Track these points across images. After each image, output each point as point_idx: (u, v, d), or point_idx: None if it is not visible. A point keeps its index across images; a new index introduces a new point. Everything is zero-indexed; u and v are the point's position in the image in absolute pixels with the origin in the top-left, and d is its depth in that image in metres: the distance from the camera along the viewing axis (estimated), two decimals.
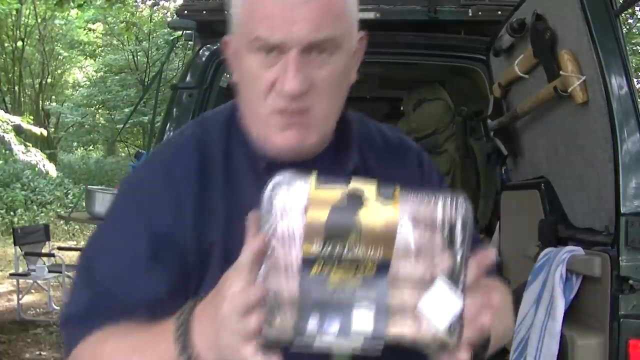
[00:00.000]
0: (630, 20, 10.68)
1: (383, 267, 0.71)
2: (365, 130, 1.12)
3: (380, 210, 0.71)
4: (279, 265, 0.71)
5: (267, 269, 0.71)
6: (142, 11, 16.43)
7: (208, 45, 2.68)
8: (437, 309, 0.72)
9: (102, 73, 18.79)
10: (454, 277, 0.73)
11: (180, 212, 0.94)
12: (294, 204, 0.72)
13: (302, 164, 0.91)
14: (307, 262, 0.70)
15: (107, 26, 17.70)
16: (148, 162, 1.08)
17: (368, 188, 0.72)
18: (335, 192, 0.71)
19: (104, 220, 1.00)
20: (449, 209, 0.73)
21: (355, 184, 0.72)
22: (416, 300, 0.72)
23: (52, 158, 11.30)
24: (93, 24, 17.84)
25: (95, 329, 0.90)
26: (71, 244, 11.43)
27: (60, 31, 18.31)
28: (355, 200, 0.71)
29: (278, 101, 0.91)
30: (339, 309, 0.70)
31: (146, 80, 16.21)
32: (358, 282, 0.71)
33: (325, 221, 0.69)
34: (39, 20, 17.13)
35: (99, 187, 6.97)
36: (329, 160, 1.01)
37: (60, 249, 7.68)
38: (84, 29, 17.96)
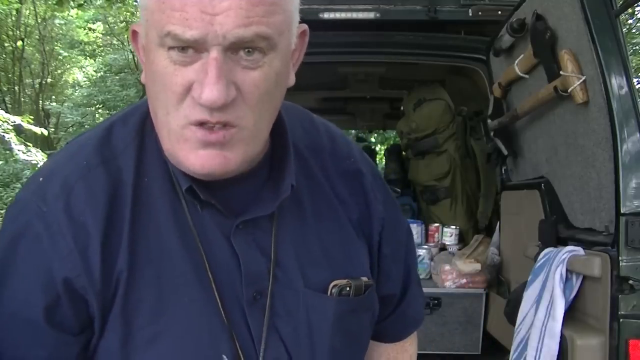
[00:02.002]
0: (630, 21, 10.68)
1: None
2: (314, 136, 0.94)
3: None
4: None
5: None
6: None
7: None
8: None
9: (102, 73, 18.80)
10: None
11: (84, 259, 0.77)
12: None
13: (229, 183, 0.81)
14: None
15: (107, 26, 17.72)
16: (43, 189, 0.80)
17: None
18: None
19: None
20: None
21: None
22: None
23: None
24: (93, 23, 17.86)
25: None
26: None
27: (60, 31, 18.31)
28: None
29: (195, 111, 0.73)
30: None
31: None
32: None
33: None
34: (39, 20, 17.14)
35: None
36: (261, 178, 0.86)
37: None
38: (84, 29, 17.97)
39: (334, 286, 0.87)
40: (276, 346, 0.83)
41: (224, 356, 0.80)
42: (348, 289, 0.87)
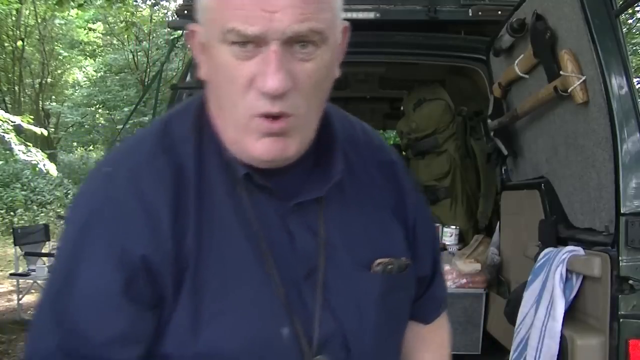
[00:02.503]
0: (630, 21, 10.68)
1: None
2: (350, 130, 1.02)
3: None
4: None
5: None
6: (142, 11, 16.44)
7: None
8: None
9: (102, 73, 18.81)
10: None
11: (157, 237, 0.82)
12: None
13: (281, 171, 0.88)
14: None
15: (107, 26, 17.72)
16: (111, 177, 0.87)
17: None
18: None
19: (66, 248, 0.87)
20: None
21: None
22: None
23: (52, 158, 11.29)
24: (93, 23, 17.86)
25: None
26: None
27: (60, 31, 18.31)
28: None
29: (259, 103, 0.81)
30: None
31: (146, 80, 16.22)
32: None
33: None
34: (39, 20, 17.14)
35: None
36: (308, 166, 0.93)
37: None
38: (84, 29, 17.97)
39: (379, 264, 0.93)
40: (329, 321, 0.89)
41: (284, 330, 0.86)
42: (390, 266, 0.94)
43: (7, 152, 10.28)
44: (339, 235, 0.93)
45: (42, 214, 13.29)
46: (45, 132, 9.30)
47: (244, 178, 0.87)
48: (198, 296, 0.83)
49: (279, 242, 0.88)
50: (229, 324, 0.84)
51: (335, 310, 0.90)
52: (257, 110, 0.81)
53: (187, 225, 0.84)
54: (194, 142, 0.89)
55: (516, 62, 2.21)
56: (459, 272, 2.80)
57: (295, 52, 0.80)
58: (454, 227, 3.34)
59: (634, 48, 10.70)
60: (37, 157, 7.82)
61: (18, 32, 17.30)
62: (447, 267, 2.85)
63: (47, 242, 7.64)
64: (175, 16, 2.81)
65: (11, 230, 8.43)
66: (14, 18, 16.91)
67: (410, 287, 1.00)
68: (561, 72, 1.82)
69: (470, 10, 2.65)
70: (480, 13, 2.64)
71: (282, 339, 0.86)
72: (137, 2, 15.51)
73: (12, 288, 7.69)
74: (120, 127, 15.79)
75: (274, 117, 0.81)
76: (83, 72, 20.82)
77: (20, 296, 6.88)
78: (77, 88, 20.37)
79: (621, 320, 1.61)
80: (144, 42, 17.05)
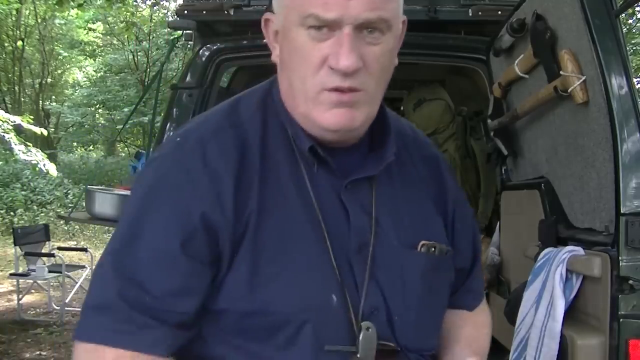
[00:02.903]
0: (630, 20, 10.68)
1: None
2: (399, 125, 1.12)
3: None
4: None
5: None
6: (142, 11, 16.43)
7: (208, 45, 2.68)
8: None
9: (102, 73, 18.81)
10: None
11: (218, 199, 0.90)
12: None
13: (340, 152, 0.97)
14: None
15: (107, 26, 17.72)
16: (180, 145, 0.96)
17: None
18: None
19: (133, 206, 0.94)
20: None
21: None
22: None
23: (52, 158, 11.29)
24: (93, 23, 17.86)
25: (119, 321, 0.87)
26: (71, 244, 11.44)
27: (60, 31, 18.31)
28: None
29: (330, 79, 0.90)
30: None
31: (146, 80, 16.22)
32: None
33: None
34: (39, 20, 17.14)
35: (99, 187, 6.95)
36: (364, 149, 1.02)
37: (60, 249, 7.66)
38: (84, 29, 17.97)
39: (423, 245, 1.02)
40: (375, 293, 0.97)
41: (333, 296, 0.92)
42: (433, 249, 1.02)
43: (7, 152, 10.29)
44: (388, 215, 1.00)
45: (42, 214, 13.29)
46: (45, 132, 9.30)
47: (308, 151, 0.95)
48: (255, 258, 0.90)
49: (335, 216, 0.96)
50: (284, 286, 0.91)
51: (382, 284, 0.97)
52: (327, 85, 0.90)
53: (250, 191, 0.92)
54: (259, 120, 0.98)
55: (516, 62, 2.20)
56: None
57: (364, 36, 0.90)
58: None
59: (634, 48, 10.71)
60: (37, 157, 7.83)
61: (18, 32, 17.30)
62: None
63: (47, 242, 7.65)
64: (175, 16, 2.80)
65: (11, 230, 8.42)
66: (14, 18, 16.91)
67: (450, 270, 1.07)
68: (561, 72, 1.82)
69: (470, 10, 2.64)
70: (480, 13, 2.63)
71: (332, 305, 0.92)
72: (137, 2, 15.51)
73: (12, 288, 7.69)
74: (120, 127, 15.82)
75: (344, 90, 0.90)
76: (83, 72, 20.82)
77: (20, 296, 6.88)
78: (77, 88, 20.37)
79: (621, 320, 1.61)
80: (144, 42, 17.05)
